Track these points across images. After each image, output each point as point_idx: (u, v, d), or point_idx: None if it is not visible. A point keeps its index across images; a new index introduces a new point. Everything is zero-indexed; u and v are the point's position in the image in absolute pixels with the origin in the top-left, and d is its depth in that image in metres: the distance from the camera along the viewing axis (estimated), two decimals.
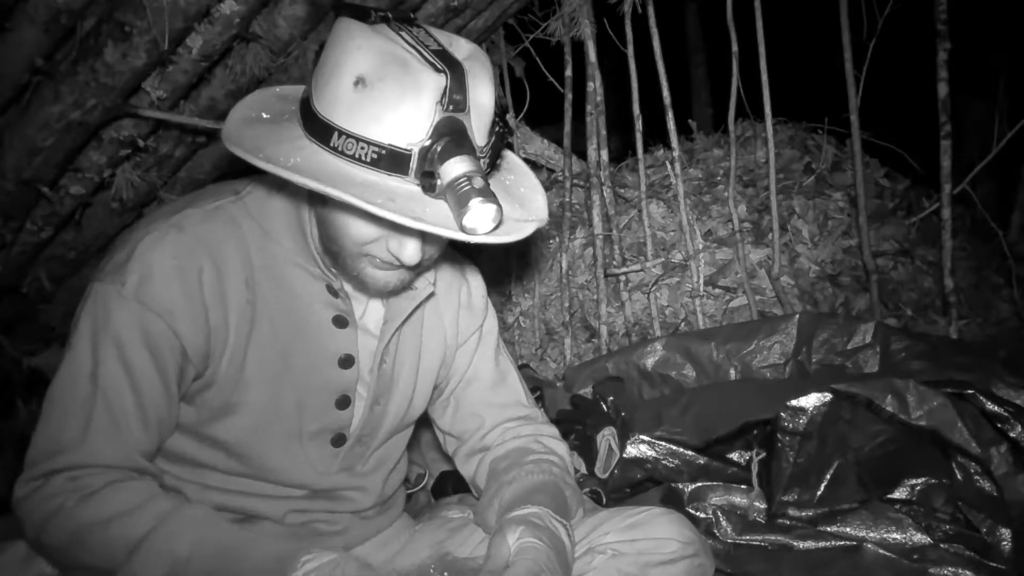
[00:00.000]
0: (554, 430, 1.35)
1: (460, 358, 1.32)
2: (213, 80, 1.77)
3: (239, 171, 2.22)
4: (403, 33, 0.94)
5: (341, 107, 0.92)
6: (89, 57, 1.47)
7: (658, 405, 1.83)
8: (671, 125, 2.49)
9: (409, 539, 1.32)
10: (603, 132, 2.48)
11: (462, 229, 0.90)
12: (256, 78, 1.78)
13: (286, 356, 1.10)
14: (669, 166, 2.59)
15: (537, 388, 2.07)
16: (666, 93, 2.46)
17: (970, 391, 1.63)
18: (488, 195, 0.89)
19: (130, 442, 1.01)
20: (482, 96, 0.95)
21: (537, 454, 1.26)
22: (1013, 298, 2.70)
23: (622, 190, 2.72)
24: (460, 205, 0.88)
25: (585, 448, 1.77)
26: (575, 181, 2.63)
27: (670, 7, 2.73)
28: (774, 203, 2.45)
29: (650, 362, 2.07)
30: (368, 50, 0.91)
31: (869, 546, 1.53)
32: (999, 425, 1.60)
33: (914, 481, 1.59)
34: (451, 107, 0.91)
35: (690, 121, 2.90)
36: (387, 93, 0.90)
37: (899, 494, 1.60)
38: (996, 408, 1.60)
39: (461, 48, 0.98)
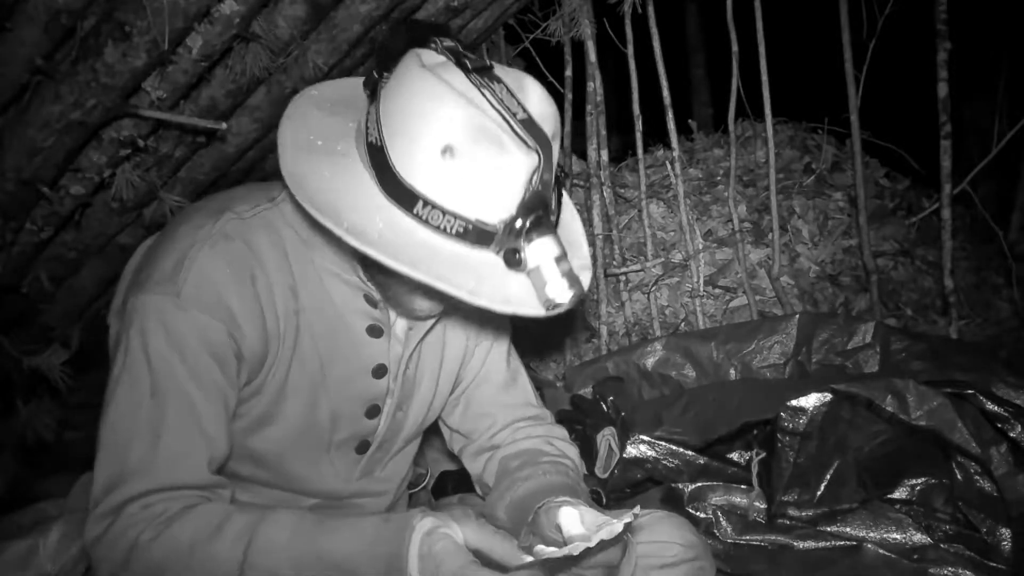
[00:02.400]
0: (564, 432, 1.34)
1: (475, 357, 1.32)
2: (213, 80, 1.77)
3: (240, 170, 2.21)
4: (485, 91, 0.90)
5: (426, 175, 0.89)
6: (89, 57, 1.46)
7: (658, 405, 1.83)
8: (671, 125, 2.49)
9: None
10: (603, 132, 2.48)
11: (543, 306, 0.90)
12: (256, 78, 1.78)
13: (323, 366, 1.09)
14: (669, 166, 2.59)
15: (537, 388, 2.07)
16: (666, 93, 2.46)
17: (970, 391, 1.63)
18: (574, 281, 0.90)
19: (203, 455, 0.97)
20: (555, 156, 0.93)
21: (551, 456, 1.25)
22: (1013, 298, 2.70)
23: (622, 190, 2.72)
24: (546, 287, 0.89)
25: (585, 448, 1.77)
26: (575, 181, 2.63)
27: (670, 7, 2.73)
28: (774, 203, 2.45)
29: (650, 362, 2.07)
30: (458, 121, 0.87)
31: (869, 546, 1.53)
32: (999, 425, 1.60)
33: (914, 481, 1.60)
34: (539, 186, 0.90)
35: (690, 121, 2.90)
36: (478, 170, 0.87)
37: (899, 494, 1.60)
38: (996, 408, 1.60)
39: (532, 96, 0.93)
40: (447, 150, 0.87)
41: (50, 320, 2.09)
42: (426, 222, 0.89)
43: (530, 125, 0.90)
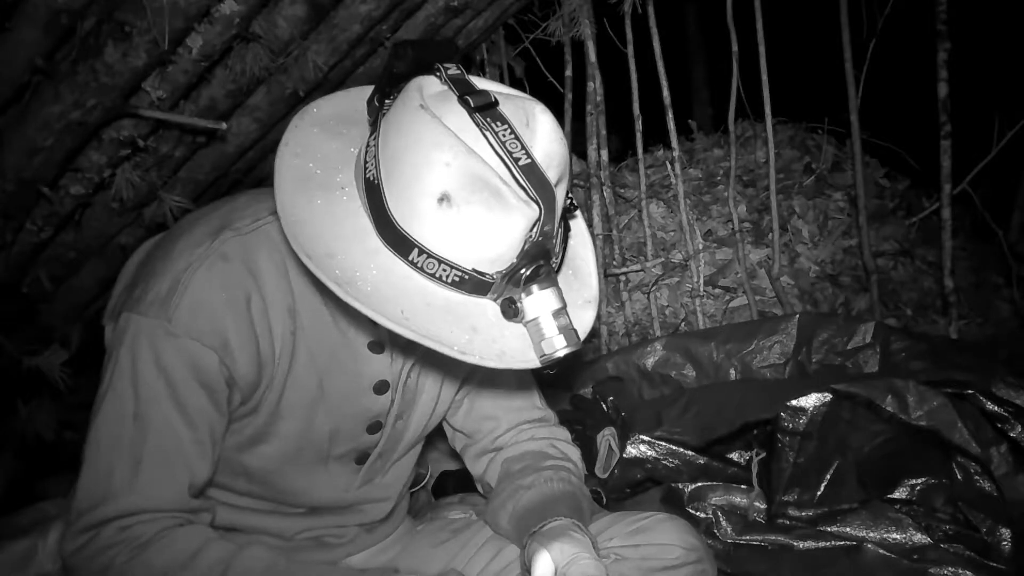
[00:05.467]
0: (567, 433, 1.34)
1: None
2: (213, 80, 1.77)
3: (240, 170, 2.21)
4: (487, 134, 0.86)
5: (422, 223, 0.86)
6: (89, 57, 1.46)
7: (658, 405, 1.83)
8: (671, 125, 2.49)
9: (410, 541, 1.32)
10: (603, 132, 2.48)
11: (539, 359, 0.89)
12: (256, 78, 1.78)
13: (322, 384, 1.07)
14: (669, 166, 2.60)
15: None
16: (666, 93, 2.46)
17: (970, 391, 1.63)
18: (571, 336, 0.88)
19: (183, 481, 0.97)
20: (560, 199, 0.90)
21: (554, 459, 1.25)
22: (1013, 298, 2.70)
23: (622, 190, 2.72)
24: (542, 341, 0.88)
25: (585, 448, 1.77)
26: (575, 181, 2.63)
27: (670, 7, 2.73)
28: (774, 203, 2.45)
29: (650, 362, 2.07)
30: (455, 169, 0.84)
31: (869, 546, 1.53)
32: (999, 425, 1.60)
33: (914, 481, 1.59)
34: (540, 237, 0.87)
35: (690, 121, 2.90)
36: (475, 220, 0.85)
37: (899, 494, 1.60)
38: (996, 408, 1.60)
39: (540, 134, 0.89)
40: (444, 198, 0.84)
41: (50, 320, 2.09)
42: (421, 270, 0.87)
43: (532, 172, 0.86)
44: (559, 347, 0.88)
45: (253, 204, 1.05)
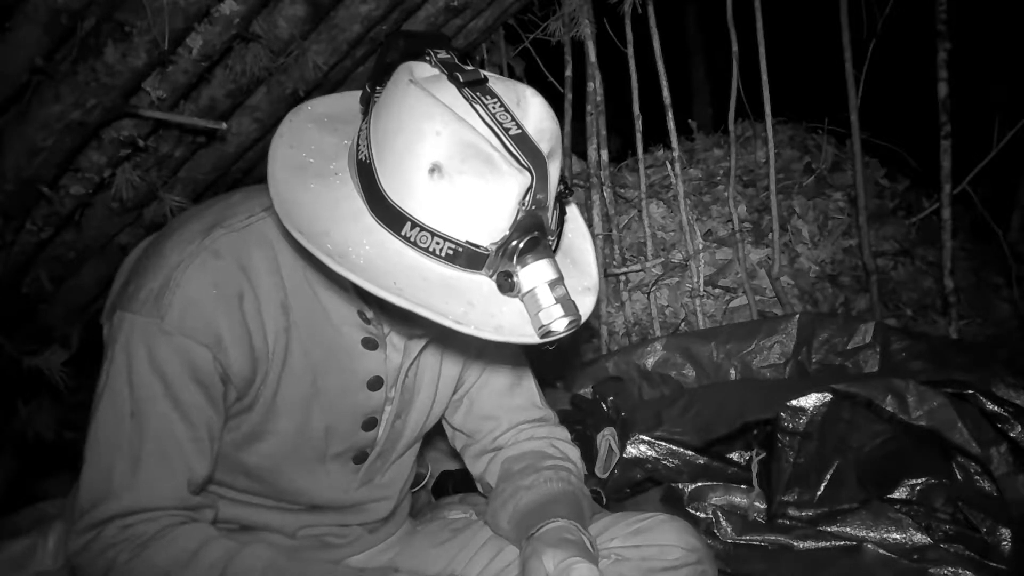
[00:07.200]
0: (566, 433, 1.33)
1: (478, 359, 1.30)
2: (213, 80, 1.77)
3: (240, 170, 2.21)
4: (476, 106, 0.87)
5: (414, 196, 0.86)
6: (89, 57, 1.46)
7: (658, 405, 1.83)
8: (671, 125, 2.49)
9: (410, 541, 1.32)
10: (603, 132, 2.48)
11: (538, 333, 0.88)
12: (256, 78, 1.78)
13: (316, 380, 1.07)
14: (669, 166, 2.59)
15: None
16: (666, 93, 2.46)
17: (970, 391, 1.63)
18: (570, 307, 0.87)
19: (182, 478, 0.98)
20: (554, 174, 0.89)
21: (554, 459, 1.24)
22: (1013, 298, 2.70)
23: (622, 190, 2.72)
24: (540, 313, 0.86)
25: (585, 448, 1.77)
26: (575, 181, 2.63)
27: (670, 7, 2.72)
28: (774, 203, 2.45)
29: (650, 362, 2.07)
30: (445, 138, 0.84)
31: (869, 546, 1.53)
32: (999, 425, 1.60)
33: (914, 481, 1.60)
34: (533, 206, 0.86)
35: (690, 121, 2.90)
36: (467, 190, 0.84)
37: (899, 494, 1.60)
38: (996, 408, 1.60)
39: (531, 110, 0.90)
40: (435, 169, 0.84)
41: (50, 320, 2.09)
42: (415, 244, 0.87)
43: (524, 141, 0.86)
44: (556, 317, 0.86)
45: (246, 201, 1.05)
